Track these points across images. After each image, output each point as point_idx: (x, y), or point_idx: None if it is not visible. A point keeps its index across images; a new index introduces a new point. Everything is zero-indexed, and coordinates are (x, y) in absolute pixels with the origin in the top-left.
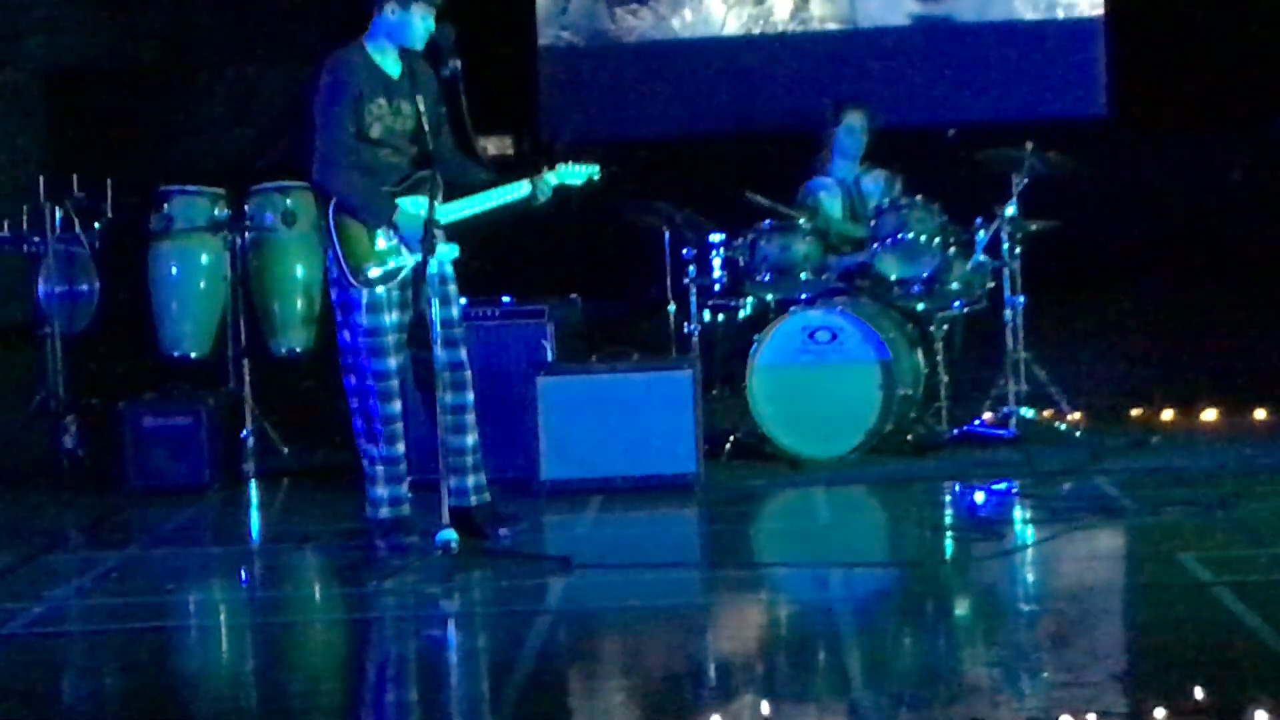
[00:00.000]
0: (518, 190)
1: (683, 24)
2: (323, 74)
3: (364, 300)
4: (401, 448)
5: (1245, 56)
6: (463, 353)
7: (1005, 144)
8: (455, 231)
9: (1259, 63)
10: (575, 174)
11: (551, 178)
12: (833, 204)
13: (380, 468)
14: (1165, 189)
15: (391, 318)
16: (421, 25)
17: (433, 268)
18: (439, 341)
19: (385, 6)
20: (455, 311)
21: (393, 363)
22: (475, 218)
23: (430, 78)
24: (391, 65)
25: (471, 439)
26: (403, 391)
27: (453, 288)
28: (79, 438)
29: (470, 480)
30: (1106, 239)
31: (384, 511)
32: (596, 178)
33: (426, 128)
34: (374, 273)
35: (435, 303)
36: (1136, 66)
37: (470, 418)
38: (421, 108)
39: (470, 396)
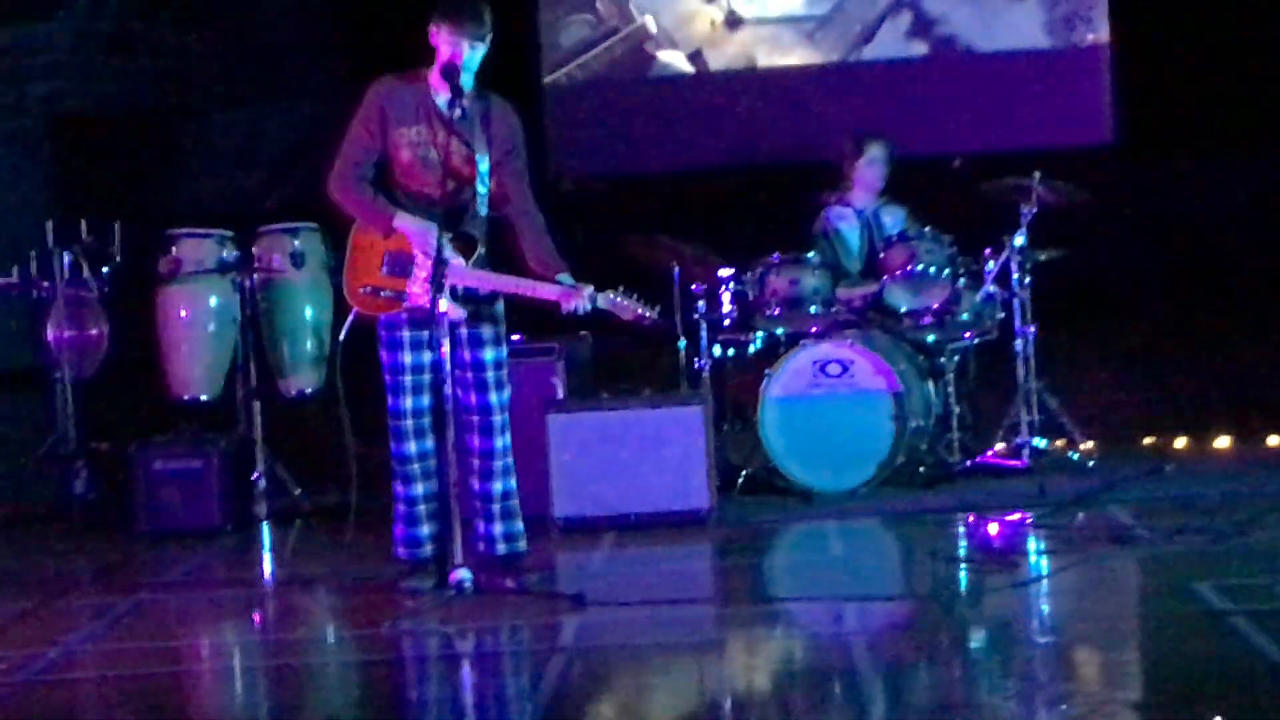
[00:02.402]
0: (559, 293)
1: (693, 42)
2: None
3: (383, 337)
4: (420, 489)
5: (1253, 81)
6: (492, 397)
7: (1012, 173)
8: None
9: (1267, 88)
10: (627, 308)
11: (601, 299)
12: (851, 235)
13: (401, 507)
14: (1174, 216)
15: (410, 358)
16: (447, 52)
17: (443, 307)
18: (467, 385)
19: (430, 29)
20: (489, 355)
21: (407, 403)
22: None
23: (504, 122)
24: (444, 97)
25: (499, 485)
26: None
27: (488, 330)
28: (90, 482)
29: (498, 527)
30: (1116, 267)
31: (400, 551)
32: (646, 323)
33: (477, 171)
34: (362, 293)
35: (445, 343)
36: (1144, 93)
37: (499, 464)
38: (478, 148)
39: (499, 442)
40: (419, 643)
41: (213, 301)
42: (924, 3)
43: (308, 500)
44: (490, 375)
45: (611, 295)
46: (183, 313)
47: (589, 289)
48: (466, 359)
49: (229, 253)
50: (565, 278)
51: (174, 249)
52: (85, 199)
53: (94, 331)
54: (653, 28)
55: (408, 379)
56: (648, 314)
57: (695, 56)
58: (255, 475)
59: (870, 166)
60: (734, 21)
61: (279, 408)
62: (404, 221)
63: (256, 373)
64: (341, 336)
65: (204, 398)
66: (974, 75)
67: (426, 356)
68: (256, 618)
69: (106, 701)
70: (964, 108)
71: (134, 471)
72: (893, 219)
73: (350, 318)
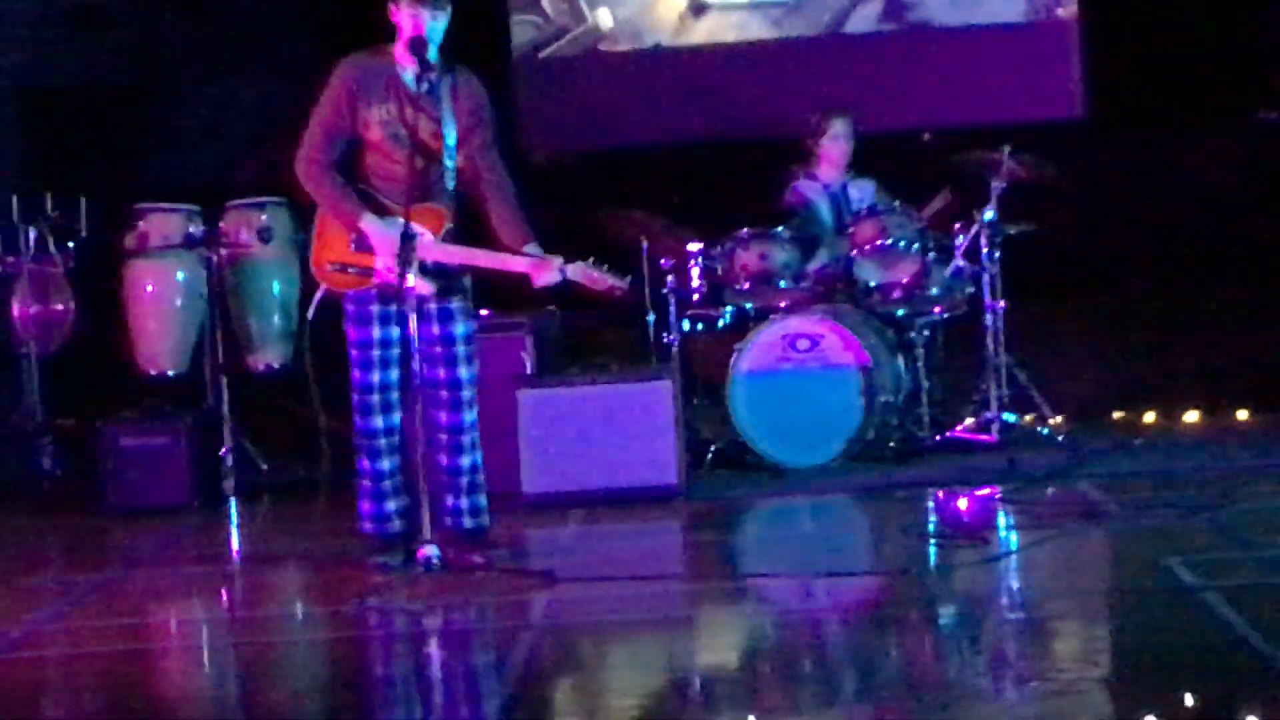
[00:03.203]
0: (530, 266)
1: (656, 32)
2: None
3: (351, 312)
4: (387, 464)
5: (1221, 54)
6: (462, 371)
7: (981, 148)
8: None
9: (1235, 60)
10: (598, 279)
11: (571, 270)
12: (821, 208)
13: (366, 482)
14: (1143, 190)
15: (379, 332)
16: (408, 26)
17: (410, 283)
18: (436, 360)
19: (390, 6)
20: (459, 329)
21: (375, 377)
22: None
23: (470, 94)
24: (411, 72)
25: (467, 460)
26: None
27: (457, 304)
28: (56, 458)
29: (465, 502)
30: (1085, 241)
31: (368, 526)
32: (617, 293)
33: (444, 145)
34: (329, 269)
35: (412, 318)
36: (1112, 67)
37: (467, 438)
38: (445, 122)
39: (468, 417)
40: (387, 619)
41: (180, 276)
42: None
43: (276, 476)
44: (460, 350)
45: (582, 265)
46: (149, 288)
47: (558, 260)
48: (436, 334)
49: (196, 228)
50: (533, 248)
51: (141, 224)
52: (51, 173)
53: (60, 307)
54: (607, 23)
55: (376, 353)
56: (618, 285)
57: (664, 32)
58: (223, 451)
59: (834, 142)
60: (699, 8)
61: (246, 383)
62: (370, 224)
63: (224, 348)
64: (310, 314)
65: (171, 373)
66: (944, 49)
67: (395, 331)
68: (224, 595)
69: (73, 679)
70: (934, 82)
71: (101, 448)
72: (861, 193)
73: (319, 294)
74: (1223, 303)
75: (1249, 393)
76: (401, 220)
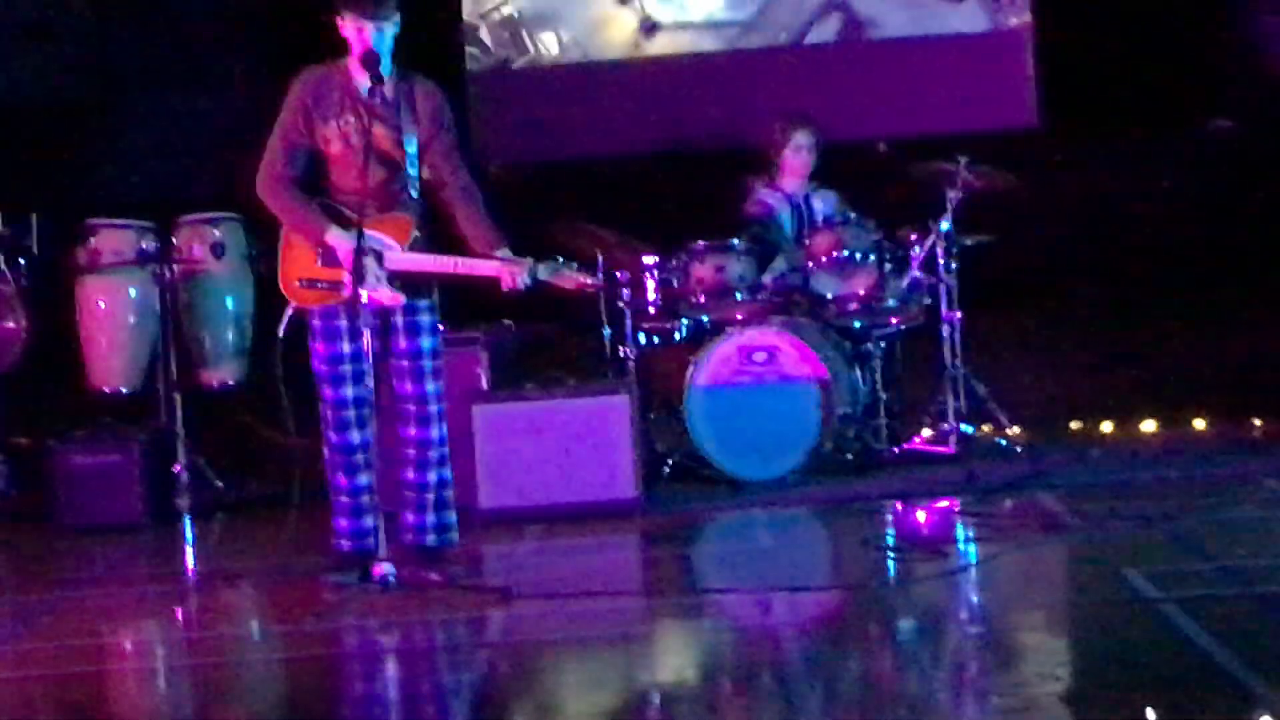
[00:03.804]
0: (500, 270)
1: (606, 53)
2: None
3: (319, 327)
4: (364, 479)
5: (1174, 61)
6: (429, 385)
7: (937, 157)
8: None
9: (1189, 67)
10: (569, 279)
11: (542, 271)
12: (784, 218)
13: (342, 499)
14: (1098, 199)
15: (349, 346)
16: (355, 39)
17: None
18: (403, 374)
19: (337, 20)
20: (426, 343)
21: (348, 392)
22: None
23: (429, 102)
24: (365, 85)
25: (434, 475)
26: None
27: (425, 318)
28: (8, 477)
29: (431, 517)
30: (1041, 250)
31: (344, 544)
32: (589, 290)
33: (406, 154)
34: (298, 287)
35: (366, 333)
36: (1065, 75)
37: (433, 454)
38: (405, 131)
39: (435, 432)
40: (343, 639)
41: (132, 293)
42: (855, 5)
43: (230, 493)
44: (428, 364)
45: (552, 265)
46: (102, 304)
47: (529, 261)
48: (404, 347)
49: (148, 243)
50: (504, 252)
51: (92, 240)
52: (2, 190)
53: (11, 325)
54: (552, 50)
55: (348, 368)
56: (591, 282)
57: (617, 44)
58: (176, 468)
59: (797, 153)
60: (651, 27)
61: (200, 400)
62: (334, 238)
63: (177, 365)
64: (281, 331)
65: (124, 390)
66: (899, 60)
67: (360, 345)
68: (178, 614)
69: (26, 701)
70: (889, 92)
71: (53, 466)
72: (824, 204)
73: (288, 312)
74: (1179, 312)
75: (1207, 402)
76: (366, 232)
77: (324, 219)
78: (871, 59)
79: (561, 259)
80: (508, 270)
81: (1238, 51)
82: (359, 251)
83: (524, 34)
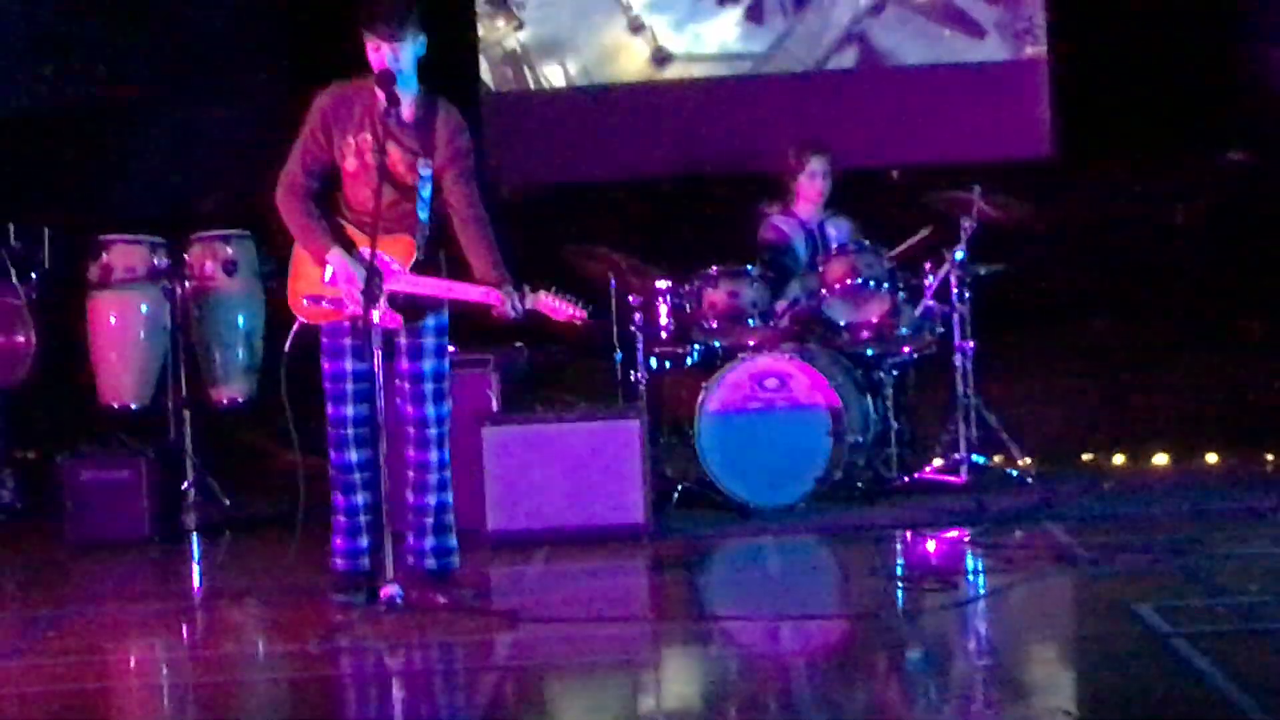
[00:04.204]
0: (491, 296)
1: (620, 74)
2: None
3: (326, 344)
4: (361, 499)
5: (1189, 93)
6: (429, 409)
7: (950, 185)
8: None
9: (1203, 99)
10: (559, 309)
11: (530, 299)
12: (799, 245)
13: (340, 518)
14: (1111, 228)
15: (353, 365)
16: (374, 58)
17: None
18: (404, 396)
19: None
20: (427, 366)
21: (349, 411)
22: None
23: (448, 127)
24: (385, 102)
25: (433, 499)
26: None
27: (429, 341)
28: (16, 491)
29: (430, 541)
30: (1054, 280)
31: (340, 563)
32: (579, 322)
33: (419, 177)
34: (304, 302)
35: (377, 354)
36: (1080, 106)
37: (433, 477)
38: (421, 153)
39: (435, 455)
40: (349, 660)
41: (143, 309)
42: (873, 37)
43: (238, 511)
44: (428, 387)
45: (542, 294)
46: (113, 320)
47: (524, 289)
48: (405, 369)
49: (160, 260)
50: (506, 290)
51: (104, 255)
52: (13, 203)
53: (21, 339)
54: (558, 82)
55: (350, 386)
56: (579, 314)
57: (634, 68)
58: (185, 485)
59: (811, 179)
60: (663, 58)
61: (210, 416)
62: (336, 258)
63: (187, 381)
64: (286, 347)
65: (134, 406)
66: (912, 89)
67: (364, 364)
68: (184, 632)
69: (29, 717)
70: (904, 120)
71: (62, 481)
72: (838, 231)
73: (295, 328)
74: (1191, 344)
75: (1219, 435)
76: (368, 253)
77: (329, 238)
78: (886, 86)
79: (554, 288)
80: (497, 297)
81: (1252, 83)
82: (371, 270)
83: (525, 71)
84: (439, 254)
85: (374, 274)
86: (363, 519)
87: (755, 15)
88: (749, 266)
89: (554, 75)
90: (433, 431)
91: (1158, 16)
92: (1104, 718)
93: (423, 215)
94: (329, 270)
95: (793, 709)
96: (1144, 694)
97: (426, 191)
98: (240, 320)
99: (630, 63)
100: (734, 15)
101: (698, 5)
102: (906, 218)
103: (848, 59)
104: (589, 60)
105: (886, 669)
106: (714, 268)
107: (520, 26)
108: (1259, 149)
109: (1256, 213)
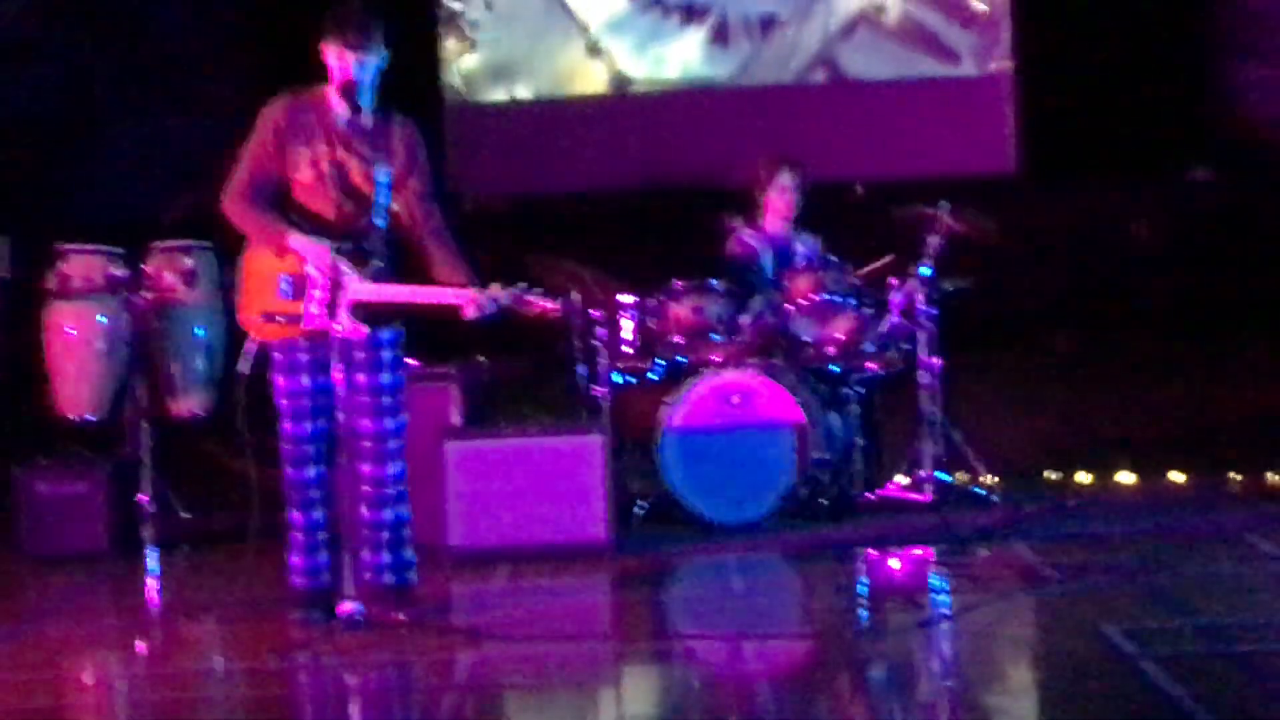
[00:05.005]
0: (461, 297)
1: (590, 80)
2: None
3: (280, 360)
4: (319, 515)
5: (1154, 110)
6: (387, 422)
7: (915, 200)
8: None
9: (1168, 116)
10: (534, 302)
11: (503, 297)
12: (765, 260)
13: (297, 535)
14: (1075, 245)
15: (310, 380)
16: (337, 68)
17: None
18: (362, 410)
19: (320, 47)
20: (385, 379)
21: (308, 427)
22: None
23: (405, 140)
24: (343, 115)
25: (390, 514)
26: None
27: (386, 354)
28: None
29: (386, 556)
30: (1019, 296)
31: (298, 581)
32: (552, 314)
33: (376, 187)
34: (258, 319)
35: (338, 367)
36: (1045, 122)
37: (390, 491)
38: (378, 164)
39: (392, 469)
40: (307, 677)
41: (102, 320)
42: (842, 62)
43: (196, 525)
44: (386, 400)
45: (513, 291)
46: (71, 330)
47: (492, 287)
48: (363, 383)
49: (119, 270)
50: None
51: (62, 265)
52: None
53: None
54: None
55: (307, 403)
56: (553, 306)
57: (598, 80)
58: (142, 499)
59: (780, 194)
60: (621, 83)
61: (169, 429)
62: (298, 240)
63: (146, 393)
64: (246, 369)
65: (91, 418)
66: (878, 103)
67: (321, 380)
68: (141, 648)
69: None
70: (867, 135)
71: (17, 494)
72: (805, 247)
73: (254, 348)
74: (1157, 362)
75: (1185, 454)
76: (327, 238)
77: (287, 225)
78: (852, 101)
79: (524, 284)
80: (467, 298)
81: (1216, 101)
82: (335, 285)
83: (484, 87)
84: (397, 261)
85: (339, 285)
86: (322, 535)
87: (720, 37)
88: (714, 281)
89: (513, 93)
90: (390, 445)
91: (1123, 34)
92: None
93: (380, 222)
94: (283, 284)
95: None
96: (1110, 715)
97: (383, 198)
98: (200, 332)
99: (587, 86)
100: (697, 37)
101: (660, 26)
102: (871, 234)
103: (816, 77)
104: (545, 83)
105: (850, 688)
106: (678, 282)
107: (473, 47)
108: (1223, 167)
109: (1221, 230)
